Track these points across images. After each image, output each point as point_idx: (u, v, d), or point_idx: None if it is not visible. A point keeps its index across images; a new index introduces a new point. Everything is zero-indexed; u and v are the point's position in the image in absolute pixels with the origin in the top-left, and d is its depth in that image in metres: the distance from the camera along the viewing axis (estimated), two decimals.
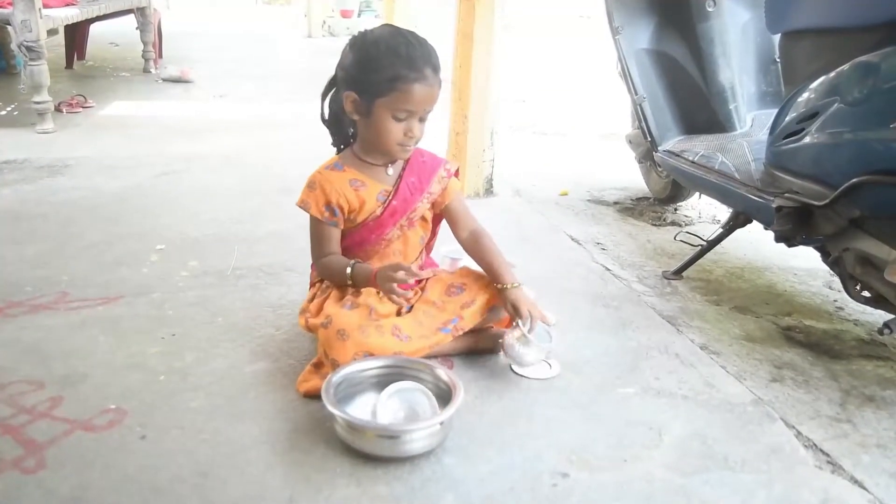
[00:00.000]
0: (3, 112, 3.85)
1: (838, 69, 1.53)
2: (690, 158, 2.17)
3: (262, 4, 13.99)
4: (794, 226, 1.68)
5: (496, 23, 2.58)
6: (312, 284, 1.64)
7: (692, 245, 2.26)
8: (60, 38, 5.02)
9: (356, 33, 1.48)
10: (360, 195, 1.50)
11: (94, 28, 5.61)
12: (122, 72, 5.43)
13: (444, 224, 1.66)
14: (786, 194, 1.70)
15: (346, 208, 1.50)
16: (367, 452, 1.21)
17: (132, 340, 1.57)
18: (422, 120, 1.46)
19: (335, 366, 1.35)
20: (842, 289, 1.69)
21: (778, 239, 1.75)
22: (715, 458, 1.27)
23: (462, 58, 2.63)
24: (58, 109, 3.74)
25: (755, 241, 2.36)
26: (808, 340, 1.76)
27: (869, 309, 1.74)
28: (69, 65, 5.37)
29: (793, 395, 1.50)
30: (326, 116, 1.56)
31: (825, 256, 1.71)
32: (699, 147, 2.21)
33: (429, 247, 1.71)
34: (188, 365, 1.48)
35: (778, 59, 2.12)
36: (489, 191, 2.79)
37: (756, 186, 1.86)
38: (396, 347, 1.41)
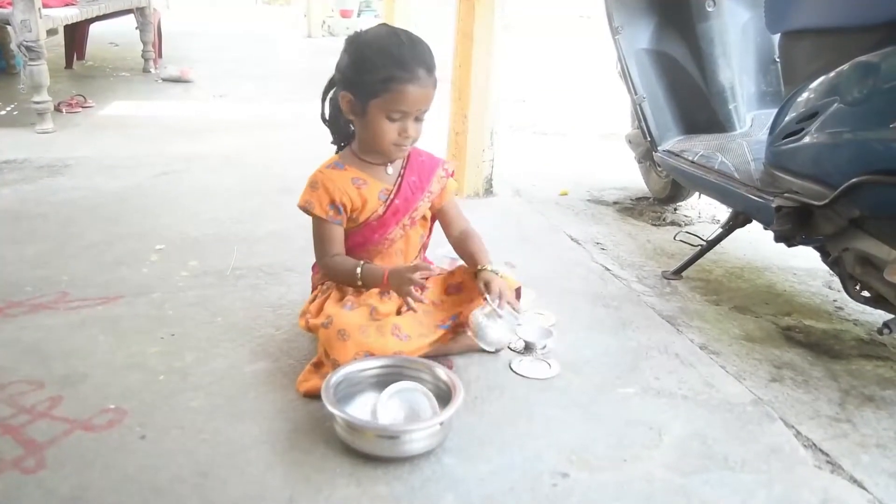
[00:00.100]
0: (3, 112, 3.85)
1: (838, 69, 1.53)
2: (690, 158, 2.17)
3: (261, 4, 13.99)
4: (794, 226, 1.68)
5: (496, 23, 2.58)
6: (314, 287, 1.64)
7: (692, 245, 2.26)
8: (60, 38, 5.02)
9: (352, 33, 1.48)
10: (362, 193, 1.51)
11: (94, 28, 5.61)
12: (122, 72, 5.43)
13: (436, 224, 1.67)
14: (785, 194, 1.70)
15: (349, 207, 1.51)
16: (366, 453, 1.21)
17: (132, 340, 1.57)
18: (418, 120, 1.45)
19: (336, 366, 1.35)
20: (841, 289, 1.70)
21: (777, 239, 1.75)
22: (715, 458, 1.27)
23: (462, 57, 2.63)
24: (57, 109, 3.74)
25: (755, 240, 2.36)
26: (808, 340, 1.76)
27: (868, 309, 1.74)
28: (69, 65, 5.37)
29: (792, 395, 1.50)
30: (327, 116, 1.56)
31: (825, 256, 1.71)
32: (699, 147, 2.21)
33: (425, 246, 1.71)
34: (188, 365, 1.48)
35: (778, 59, 2.12)
36: (489, 191, 2.79)
37: (756, 186, 1.86)
38: (397, 347, 1.41)
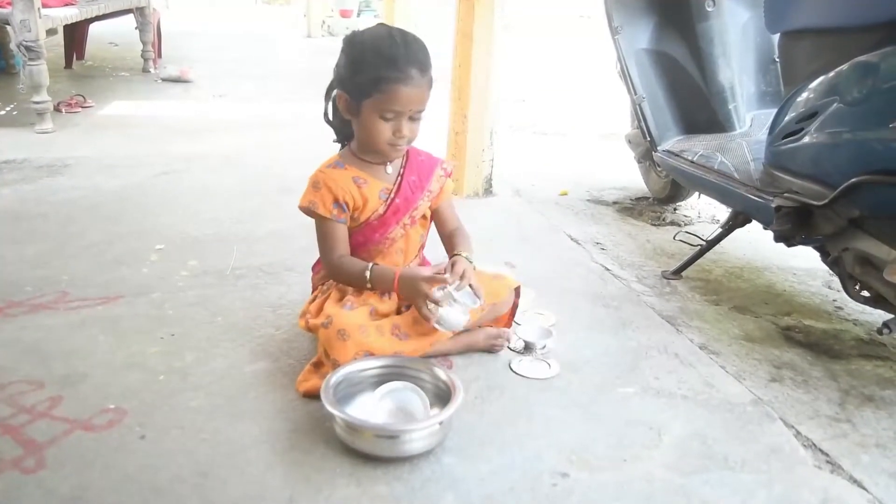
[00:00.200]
0: (3, 112, 3.85)
1: (837, 69, 1.53)
2: (690, 158, 2.17)
3: (261, 4, 14.00)
4: (794, 225, 1.68)
5: (496, 22, 2.58)
6: (314, 288, 1.64)
7: (691, 245, 2.26)
8: (60, 38, 5.01)
9: (350, 33, 1.48)
10: (363, 192, 1.51)
11: (94, 28, 5.61)
12: (122, 71, 5.43)
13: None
14: (785, 194, 1.70)
15: (352, 205, 1.51)
16: (366, 452, 1.21)
17: (132, 340, 1.57)
18: (413, 119, 1.45)
19: (336, 366, 1.35)
20: (841, 288, 1.70)
21: (777, 239, 1.75)
22: (714, 457, 1.27)
23: (462, 57, 2.63)
24: (57, 109, 3.74)
25: (754, 240, 2.36)
26: (808, 340, 1.76)
27: (868, 309, 1.75)
28: (68, 65, 5.37)
29: (792, 395, 1.50)
30: (330, 116, 1.56)
31: (824, 256, 1.71)
32: (698, 147, 2.21)
33: (423, 245, 1.71)
34: (188, 365, 1.48)
35: (777, 59, 2.13)
36: (489, 191, 2.79)
37: (755, 186, 1.86)
38: (396, 347, 1.42)
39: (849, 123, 1.49)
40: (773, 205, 1.73)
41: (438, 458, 1.22)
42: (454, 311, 1.43)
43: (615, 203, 2.86)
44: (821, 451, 1.31)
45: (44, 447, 1.21)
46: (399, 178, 1.55)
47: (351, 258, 1.52)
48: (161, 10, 6.52)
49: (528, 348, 1.59)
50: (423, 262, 1.70)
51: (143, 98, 4.49)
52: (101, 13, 4.60)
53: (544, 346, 1.59)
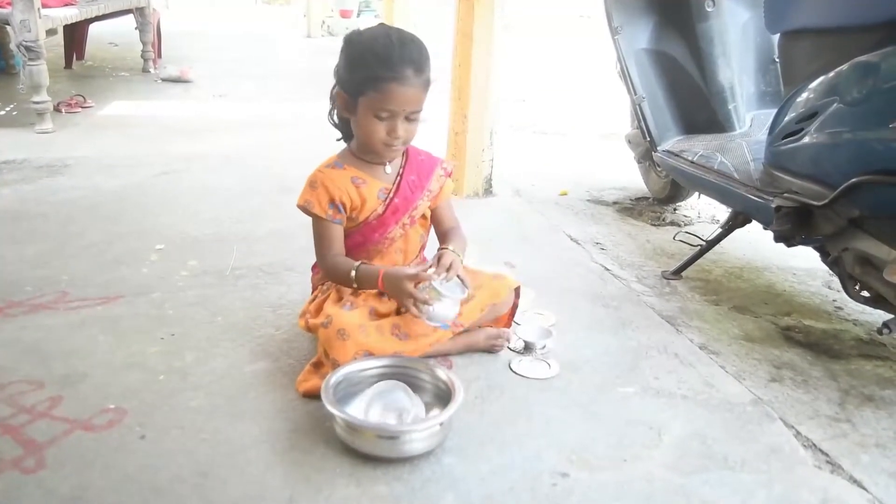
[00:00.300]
0: (3, 112, 3.85)
1: (837, 69, 1.53)
2: (690, 158, 2.17)
3: (261, 4, 14.00)
4: (794, 226, 1.68)
5: (496, 22, 2.58)
6: (314, 287, 1.64)
7: (691, 245, 2.26)
8: (59, 38, 5.01)
9: (350, 31, 1.48)
10: (361, 193, 1.51)
11: (94, 28, 5.61)
12: (122, 72, 5.43)
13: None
14: (785, 194, 1.70)
15: (349, 206, 1.50)
16: (366, 453, 1.21)
17: (132, 340, 1.57)
18: (409, 120, 1.44)
19: (336, 365, 1.35)
20: (841, 288, 1.70)
21: (777, 239, 1.75)
22: (714, 457, 1.27)
23: (462, 57, 2.63)
24: (57, 109, 3.74)
25: (754, 241, 2.36)
26: (808, 340, 1.76)
27: (868, 309, 1.75)
28: (68, 65, 5.37)
29: (792, 395, 1.50)
30: (335, 115, 1.56)
31: (824, 256, 1.71)
32: (698, 147, 2.21)
33: (424, 245, 1.71)
34: (188, 364, 1.48)
35: (777, 59, 2.13)
36: (488, 190, 2.79)
37: (755, 186, 1.86)
38: (396, 346, 1.42)
39: (849, 123, 1.49)
40: (773, 205, 1.73)
41: (438, 458, 1.22)
42: (442, 305, 1.40)
43: (615, 203, 2.86)
44: (821, 451, 1.31)
45: (44, 447, 1.21)
46: (398, 177, 1.55)
47: (342, 258, 1.52)
48: (161, 10, 6.52)
49: (528, 348, 1.59)
50: (424, 262, 1.70)
51: (143, 98, 4.49)
52: (101, 13, 4.60)
53: (544, 346, 1.59)
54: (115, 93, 4.57)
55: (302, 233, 1.53)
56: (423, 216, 1.61)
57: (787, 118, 1.72)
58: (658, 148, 2.37)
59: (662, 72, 2.40)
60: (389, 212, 1.53)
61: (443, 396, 1.31)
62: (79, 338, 1.57)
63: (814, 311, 1.93)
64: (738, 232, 2.05)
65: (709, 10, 2.28)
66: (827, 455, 1.30)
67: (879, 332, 1.50)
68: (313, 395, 1.33)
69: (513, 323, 1.65)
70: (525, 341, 1.60)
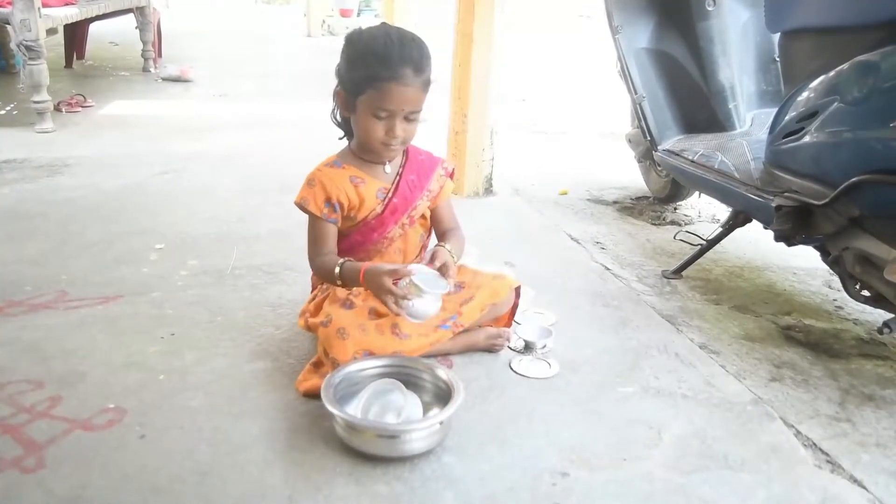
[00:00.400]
0: (3, 111, 3.85)
1: (838, 68, 1.53)
2: (690, 157, 2.17)
3: (261, 4, 13.98)
4: (794, 225, 1.68)
5: (496, 22, 2.58)
6: (314, 287, 1.63)
7: (692, 244, 2.26)
8: (60, 38, 5.01)
9: (352, 30, 1.48)
10: (359, 192, 1.50)
11: (94, 27, 5.61)
12: (122, 71, 5.43)
13: None
14: (785, 193, 1.70)
15: (347, 205, 1.50)
16: (366, 452, 1.21)
17: (131, 340, 1.57)
18: (408, 120, 1.43)
19: (335, 365, 1.35)
20: (841, 288, 1.70)
21: (777, 238, 1.75)
22: (714, 457, 1.27)
23: (461, 57, 2.63)
24: (57, 109, 3.74)
25: (755, 240, 2.35)
26: (808, 339, 1.76)
27: (868, 308, 1.75)
28: (68, 64, 5.37)
29: (792, 395, 1.50)
30: (337, 114, 1.56)
31: (825, 255, 1.71)
32: (699, 146, 2.21)
33: (425, 246, 1.71)
34: (188, 364, 1.48)
35: (777, 58, 2.12)
36: (489, 190, 2.79)
37: (756, 185, 1.86)
38: (396, 346, 1.41)
39: (849, 123, 1.48)
40: (774, 204, 1.72)
41: (438, 458, 1.22)
42: (423, 301, 1.36)
43: (615, 202, 2.86)
44: (821, 450, 1.31)
45: (43, 447, 1.20)
46: (397, 177, 1.55)
47: (331, 256, 1.50)
48: (161, 10, 6.52)
49: (528, 348, 1.59)
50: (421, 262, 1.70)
51: (143, 97, 4.49)
52: (101, 13, 4.60)
53: (544, 346, 1.59)
54: (115, 92, 4.57)
55: (302, 232, 1.53)
56: (423, 216, 1.61)
57: (787, 117, 1.72)
58: (658, 147, 2.37)
59: (663, 71, 2.40)
60: (388, 212, 1.53)
61: (443, 396, 1.31)
62: (78, 337, 1.56)
63: (814, 311, 1.93)
64: (738, 231, 2.05)
65: (709, 9, 2.27)
66: (827, 454, 1.30)
67: (880, 331, 1.50)
68: (313, 395, 1.33)
69: (513, 322, 1.65)
70: (525, 341, 1.60)
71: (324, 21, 8.83)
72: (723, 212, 2.63)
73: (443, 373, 1.35)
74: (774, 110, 1.83)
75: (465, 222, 1.66)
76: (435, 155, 1.64)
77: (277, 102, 4.49)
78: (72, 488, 1.11)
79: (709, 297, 1.99)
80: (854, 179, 1.44)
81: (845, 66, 1.50)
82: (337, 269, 1.44)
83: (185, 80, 5.06)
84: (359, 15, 9.17)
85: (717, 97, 2.33)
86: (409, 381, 1.35)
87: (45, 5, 3.58)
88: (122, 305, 1.73)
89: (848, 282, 1.61)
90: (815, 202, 1.58)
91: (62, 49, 5.36)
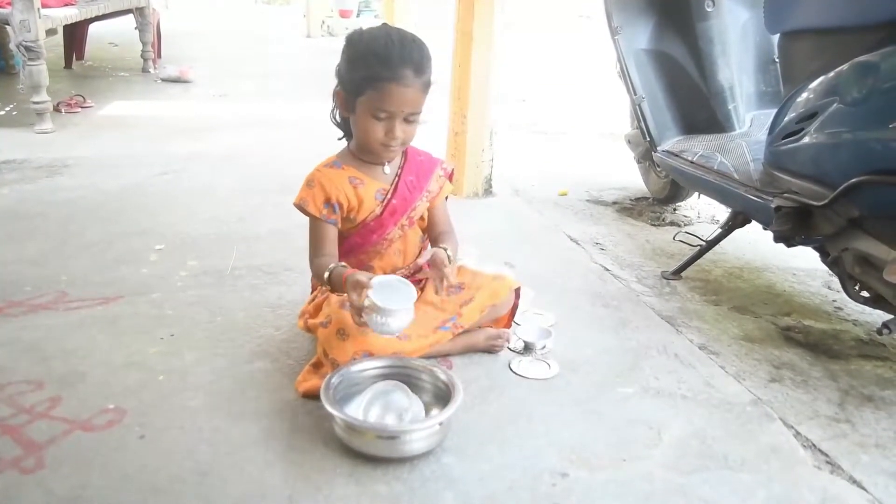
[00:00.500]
0: (3, 112, 3.85)
1: (837, 69, 1.53)
2: (689, 158, 2.17)
3: (261, 4, 13.98)
4: (794, 226, 1.68)
5: (496, 21, 2.58)
6: (314, 288, 1.63)
7: (691, 245, 2.26)
8: (59, 38, 5.00)
9: (353, 30, 1.48)
10: (358, 193, 1.50)
11: (93, 28, 5.61)
12: (121, 72, 5.43)
13: None
14: (785, 194, 1.70)
15: (346, 206, 1.50)
16: (366, 453, 1.21)
17: (131, 340, 1.57)
18: (407, 122, 1.43)
19: (335, 365, 1.35)
20: (841, 289, 1.70)
21: (777, 239, 1.75)
22: (714, 457, 1.27)
23: (461, 57, 2.63)
24: (57, 109, 3.74)
25: (754, 241, 2.36)
26: (807, 340, 1.76)
27: (868, 309, 1.75)
28: (68, 65, 5.37)
29: (792, 395, 1.50)
30: (337, 115, 1.56)
31: (824, 256, 1.71)
32: (698, 147, 2.21)
33: (425, 247, 1.71)
34: (187, 364, 1.48)
35: (777, 59, 2.13)
36: (488, 191, 2.79)
37: (755, 186, 1.86)
38: (396, 347, 1.41)
39: (849, 123, 1.49)
40: (773, 205, 1.73)
41: (438, 458, 1.22)
42: (388, 316, 1.29)
43: (615, 203, 2.86)
44: (820, 451, 1.31)
45: (43, 447, 1.20)
46: (396, 178, 1.55)
47: (326, 258, 1.48)
48: (161, 10, 6.52)
49: (527, 348, 1.59)
50: (426, 265, 1.70)
51: (142, 98, 4.49)
52: (100, 13, 4.60)
53: (544, 346, 1.59)
54: (114, 93, 4.57)
55: (301, 233, 1.53)
56: (423, 217, 1.61)
57: (786, 118, 1.72)
58: (658, 148, 2.37)
59: (662, 72, 2.40)
60: (387, 213, 1.53)
61: (442, 396, 1.31)
62: (78, 338, 1.56)
63: (814, 312, 1.94)
64: (737, 232, 2.05)
65: (708, 10, 2.28)
66: (826, 455, 1.30)
67: (879, 332, 1.50)
68: (313, 396, 1.33)
69: (513, 323, 1.65)
70: (525, 341, 1.60)
71: (323, 22, 8.83)
72: (722, 213, 2.64)
73: (442, 373, 1.35)
74: (774, 111, 1.83)
75: (464, 223, 1.66)
76: (434, 156, 1.64)
77: (277, 102, 4.49)
78: (72, 488, 1.12)
79: (708, 297, 1.99)
80: (853, 180, 1.44)
81: (845, 66, 1.50)
82: (326, 274, 1.42)
83: (185, 81, 5.06)
84: (358, 16, 9.17)
85: (716, 98, 2.33)
86: (409, 381, 1.35)
87: (44, 6, 3.58)
88: (122, 306, 1.73)
89: (847, 282, 1.61)
90: (815, 203, 1.58)
91: (62, 50, 5.36)
